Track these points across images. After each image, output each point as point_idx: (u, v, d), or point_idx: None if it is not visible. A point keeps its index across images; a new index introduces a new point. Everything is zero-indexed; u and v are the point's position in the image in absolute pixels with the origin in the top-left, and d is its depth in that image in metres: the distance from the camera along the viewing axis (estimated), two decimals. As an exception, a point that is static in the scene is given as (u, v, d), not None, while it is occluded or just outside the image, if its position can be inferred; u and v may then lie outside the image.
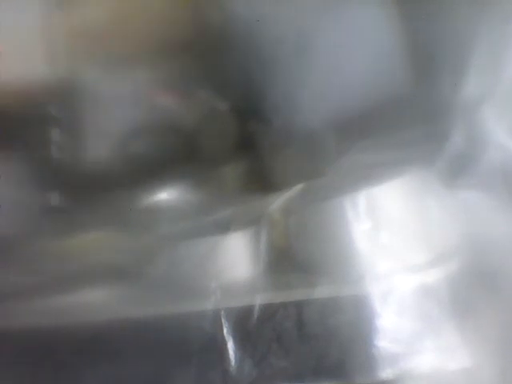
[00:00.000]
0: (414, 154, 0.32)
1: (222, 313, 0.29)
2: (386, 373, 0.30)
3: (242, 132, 0.29)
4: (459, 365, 0.31)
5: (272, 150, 0.30)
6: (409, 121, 0.31)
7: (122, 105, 0.28)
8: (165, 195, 0.30)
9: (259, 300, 0.30)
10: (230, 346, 0.29)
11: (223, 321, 0.29)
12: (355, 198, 0.32)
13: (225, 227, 0.31)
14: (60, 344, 0.29)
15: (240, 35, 0.28)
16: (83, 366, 0.29)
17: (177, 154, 0.29)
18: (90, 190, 0.29)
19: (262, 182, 0.31)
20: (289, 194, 0.31)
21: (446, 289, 0.32)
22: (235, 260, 0.31)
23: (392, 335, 0.31)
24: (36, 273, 0.29)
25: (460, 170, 0.33)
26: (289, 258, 0.31)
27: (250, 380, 0.29)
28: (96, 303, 0.30)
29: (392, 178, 0.32)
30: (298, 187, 0.31)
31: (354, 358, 0.30)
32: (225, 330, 0.29)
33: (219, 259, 0.31)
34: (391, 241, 0.32)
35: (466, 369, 0.31)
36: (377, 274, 0.31)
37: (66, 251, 0.30)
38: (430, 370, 0.31)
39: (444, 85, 0.31)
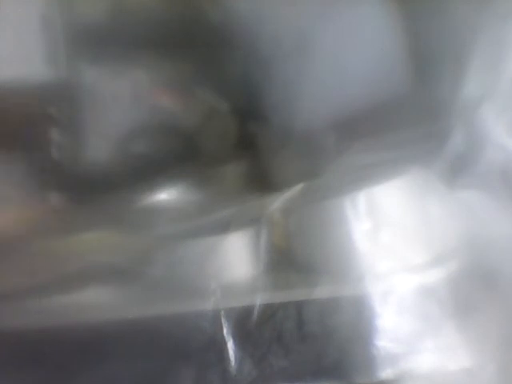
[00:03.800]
0: (414, 153, 0.32)
1: (222, 313, 0.29)
2: (386, 373, 0.30)
3: (242, 132, 0.29)
4: (459, 365, 0.31)
5: (272, 150, 0.30)
6: (409, 120, 0.31)
7: (121, 105, 0.28)
8: (165, 195, 0.30)
9: (259, 300, 0.30)
10: (230, 346, 0.29)
11: (223, 321, 0.29)
12: (355, 198, 0.32)
13: (225, 227, 0.31)
14: (60, 344, 0.29)
15: (240, 35, 0.28)
16: (83, 366, 0.29)
17: (177, 154, 0.29)
18: (90, 190, 0.29)
19: (261, 182, 0.31)
20: (289, 194, 0.31)
21: (445, 289, 0.32)
22: (235, 260, 0.31)
23: (392, 335, 0.31)
24: (36, 273, 0.29)
25: (460, 169, 0.33)
26: (289, 258, 0.31)
27: (250, 380, 0.29)
28: (96, 303, 0.30)
29: (392, 178, 0.33)
30: (298, 187, 0.31)
31: (354, 358, 0.31)
32: (225, 330, 0.29)
33: (219, 259, 0.31)
34: (391, 241, 0.32)
35: (466, 369, 0.31)
36: (377, 274, 0.31)
37: (66, 251, 0.30)
38: (430, 370, 0.31)
39: (444, 85, 0.31)
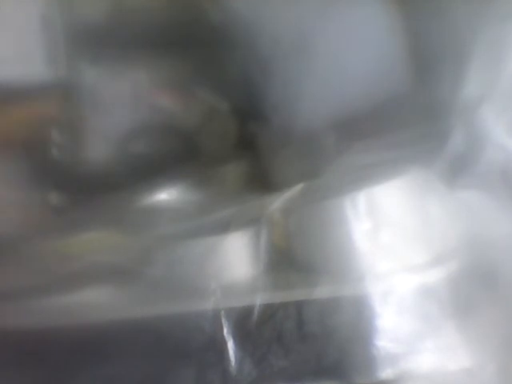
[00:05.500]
0: (414, 153, 0.32)
1: (222, 313, 0.29)
2: (385, 373, 0.30)
3: (242, 132, 0.29)
4: (459, 365, 0.31)
5: (272, 150, 0.30)
6: (409, 120, 0.31)
7: (121, 105, 0.28)
8: (165, 195, 0.30)
9: (259, 300, 0.30)
10: (230, 346, 0.29)
11: (223, 321, 0.29)
12: (355, 198, 0.32)
13: (225, 227, 0.31)
14: (60, 344, 0.29)
15: (240, 35, 0.28)
16: (83, 366, 0.29)
17: (177, 154, 0.29)
18: (90, 190, 0.29)
19: (261, 182, 0.31)
20: (289, 194, 0.31)
21: (445, 289, 0.32)
22: (235, 260, 0.31)
23: (392, 335, 0.31)
24: (36, 273, 0.29)
25: (460, 169, 0.33)
26: (289, 258, 0.31)
27: (249, 380, 0.29)
28: (96, 303, 0.30)
29: (392, 178, 0.33)
30: (298, 187, 0.31)
31: (354, 358, 0.31)
32: (225, 330, 0.29)
33: (219, 259, 0.31)
34: (391, 241, 0.32)
35: (466, 369, 0.31)
36: (377, 274, 0.31)
37: (66, 251, 0.30)
38: (430, 370, 0.31)
39: (444, 85, 0.31)
